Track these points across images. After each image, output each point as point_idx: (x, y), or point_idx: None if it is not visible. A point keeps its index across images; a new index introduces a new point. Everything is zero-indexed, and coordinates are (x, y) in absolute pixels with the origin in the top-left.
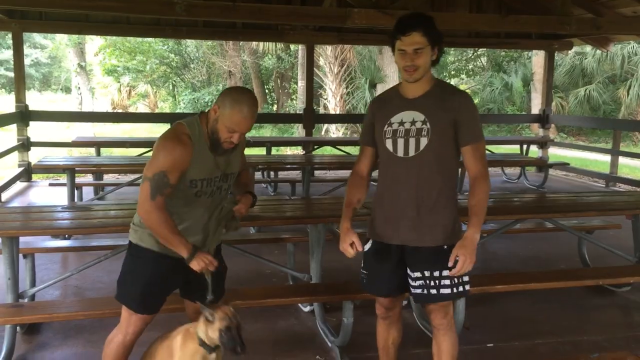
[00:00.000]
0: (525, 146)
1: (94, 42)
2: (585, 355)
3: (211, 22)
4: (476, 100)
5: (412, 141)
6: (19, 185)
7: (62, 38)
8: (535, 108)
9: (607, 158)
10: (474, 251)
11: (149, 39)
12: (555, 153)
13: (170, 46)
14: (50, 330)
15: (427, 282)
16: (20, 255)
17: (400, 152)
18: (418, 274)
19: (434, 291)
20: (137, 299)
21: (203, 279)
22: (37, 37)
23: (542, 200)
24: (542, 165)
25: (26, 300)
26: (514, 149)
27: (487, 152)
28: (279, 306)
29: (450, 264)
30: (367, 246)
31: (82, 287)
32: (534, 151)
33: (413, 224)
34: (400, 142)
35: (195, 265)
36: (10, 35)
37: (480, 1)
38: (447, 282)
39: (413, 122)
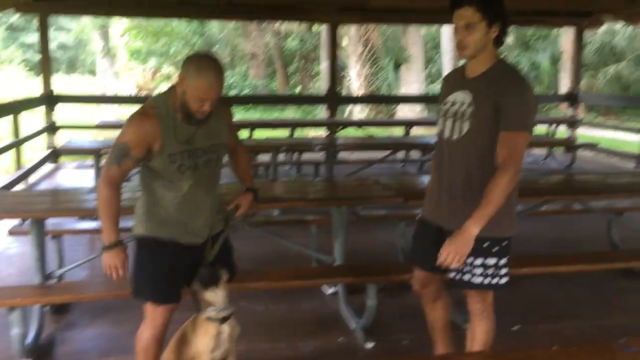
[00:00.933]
0: (553, 126)
1: (118, 25)
2: (612, 341)
3: (234, 2)
4: None
5: (457, 124)
6: (47, 167)
7: (86, 21)
8: (564, 87)
9: (637, 138)
10: (463, 244)
11: (173, 22)
12: (585, 133)
13: (194, 28)
14: (78, 310)
15: (461, 268)
16: (49, 237)
17: (447, 134)
18: None
19: (466, 277)
20: (155, 291)
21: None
22: (63, 21)
23: (568, 181)
24: (570, 145)
25: (55, 280)
26: (542, 130)
27: None
28: (303, 288)
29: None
30: (418, 217)
31: None
32: (563, 131)
33: (449, 209)
34: (448, 123)
35: (105, 258)
36: (37, 19)
37: None
38: (479, 271)
39: (462, 104)
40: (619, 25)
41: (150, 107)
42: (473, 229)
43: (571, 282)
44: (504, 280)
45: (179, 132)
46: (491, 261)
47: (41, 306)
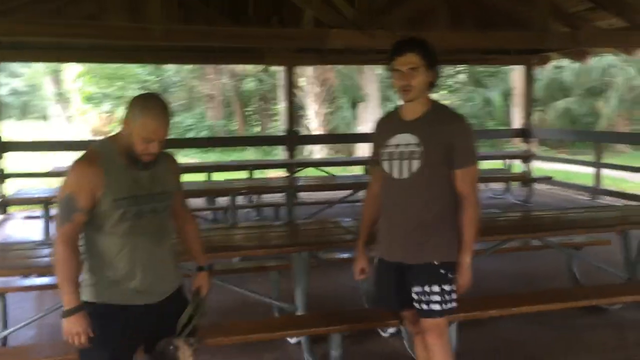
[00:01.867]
0: (507, 161)
1: (71, 69)
2: None
3: (190, 47)
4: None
5: (405, 163)
6: None
7: (38, 66)
8: (516, 122)
9: (589, 170)
10: (467, 275)
11: (128, 65)
12: (538, 166)
13: (150, 70)
14: None
15: (420, 297)
16: None
17: (395, 174)
18: (414, 289)
19: (425, 306)
20: None
21: (172, 329)
22: (15, 66)
23: (528, 218)
24: (526, 179)
25: None
26: (498, 164)
27: None
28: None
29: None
30: (375, 262)
31: (57, 326)
32: (518, 165)
33: (405, 243)
34: (395, 164)
35: (66, 324)
36: None
37: (459, 17)
38: (437, 298)
39: (407, 145)
40: (566, 61)
41: (92, 152)
42: (467, 259)
43: (535, 320)
44: (455, 304)
45: (123, 177)
46: (447, 287)
47: None
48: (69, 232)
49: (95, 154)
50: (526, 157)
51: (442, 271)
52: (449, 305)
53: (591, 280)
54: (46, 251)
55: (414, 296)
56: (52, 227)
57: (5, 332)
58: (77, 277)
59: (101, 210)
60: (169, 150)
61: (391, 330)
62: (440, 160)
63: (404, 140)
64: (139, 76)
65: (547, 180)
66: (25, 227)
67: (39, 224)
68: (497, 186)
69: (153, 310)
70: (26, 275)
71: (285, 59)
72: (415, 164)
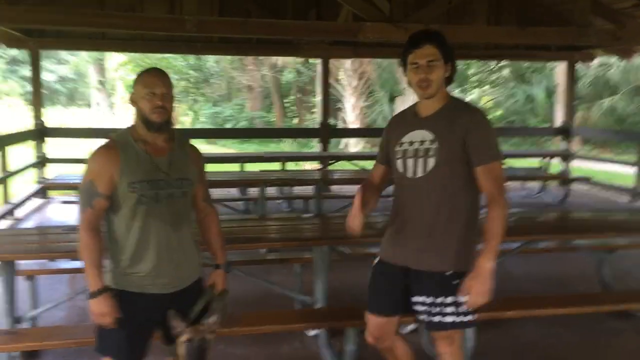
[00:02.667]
0: (547, 159)
1: (114, 58)
2: None
3: (226, 38)
4: (499, 112)
5: (420, 162)
6: (36, 202)
7: (83, 54)
8: (559, 120)
9: (632, 171)
10: (486, 281)
11: (169, 55)
12: (580, 166)
13: (190, 62)
14: (50, 355)
15: (430, 308)
16: (24, 277)
17: (410, 173)
18: (420, 299)
19: (436, 319)
20: (123, 349)
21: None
22: (63, 53)
23: (558, 220)
24: (564, 179)
25: (26, 323)
26: (535, 162)
27: (506, 166)
28: (285, 330)
29: (462, 295)
30: (374, 262)
31: (86, 309)
32: (556, 164)
33: (416, 247)
34: (410, 162)
35: (92, 306)
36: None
37: (499, 12)
38: (451, 309)
39: (422, 142)
40: (613, 59)
41: (110, 140)
42: (488, 264)
43: (560, 323)
44: (471, 317)
45: (140, 161)
46: (462, 298)
47: (9, 353)
48: (90, 217)
49: (113, 141)
50: (565, 156)
51: (454, 282)
52: (466, 318)
53: (622, 284)
54: (77, 236)
55: (420, 307)
56: None
57: (34, 312)
58: (100, 261)
59: (118, 194)
60: (193, 142)
61: (410, 327)
62: (456, 157)
63: (419, 137)
64: (179, 67)
65: (586, 180)
66: (63, 211)
67: (75, 208)
68: (534, 185)
69: (170, 300)
70: (53, 258)
71: (321, 52)
72: (431, 162)
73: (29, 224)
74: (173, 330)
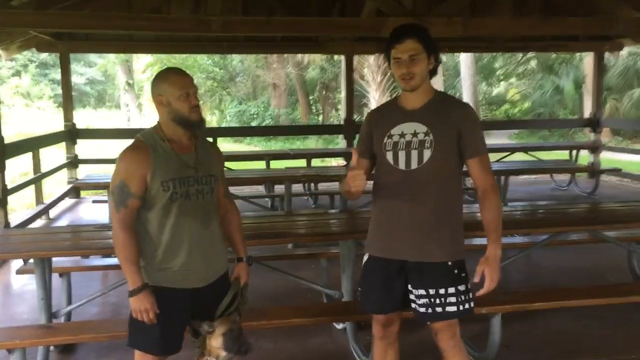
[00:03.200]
0: (575, 152)
1: (141, 60)
2: None
3: (250, 37)
4: (526, 105)
5: (414, 153)
6: (68, 202)
7: (111, 57)
8: (588, 111)
9: None
10: (498, 268)
11: (194, 55)
12: (610, 157)
13: (216, 61)
14: (85, 349)
15: (433, 300)
16: (58, 274)
17: (402, 165)
18: (422, 292)
19: (439, 309)
20: (156, 344)
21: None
22: (92, 56)
23: (587, 211)
24: (593, 171)
25: (61, 318)
26: (564, 154)
27: (535, 159)
28: (312, 324)
29: (476, 280)
30: (364, 259)
31: (119, 305)
32: (586, 156)
33: (415, 239)
34: (402, 154)
35: (132, 303)
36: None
37: (523, 3)
38: (453, 299)
39: (415, 134)
40: None
41: (138, 140)
42: (497, 251)
43: (590, 316)
44: (472, 303)
45: (170, 160)
46: (461, 287)
47: (46, 346)
48: (125, 217)
49: (141, 142)
50: (594, 148)
51: (455, 271)
52: (467, 306)
53: None
54: (109, 233)
55: (420, 300)
56: None
57: (69, 308)
58: (137, 259)
59: (151, 194)
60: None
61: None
62: (451, 148)
63: (410, 129)
64: (205, 66)
65: (616, 172)
66: (94, 210)
67: (106, 207)
68: (562, 177)
69: (200, 294)
70: (86, 256)
71: (345, 48)
72: (427, 154)
73: (62, 223)
74: (203, 331)
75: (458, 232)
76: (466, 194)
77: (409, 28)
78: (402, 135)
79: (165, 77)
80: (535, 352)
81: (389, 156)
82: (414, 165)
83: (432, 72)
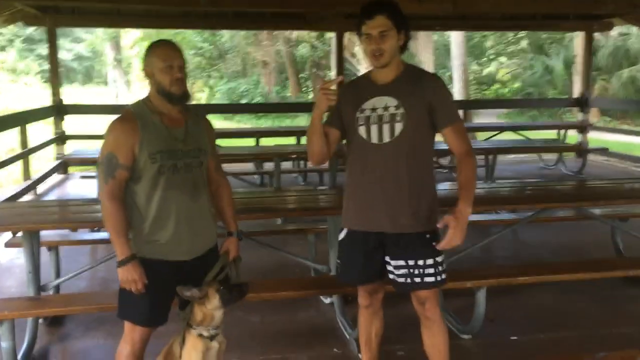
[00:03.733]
0: (562, 131)
1: (129, 36)
2: (590, 355)
3: (240, 12)
4: (516, 84)
5: (386, 127)
6: (56, 177)
7: (99, 32)
8: (577, 91)
9: None
10: (465, 225)
11: (184, 31)
12: (598, 137)
13: (205, 37)
14: (73, 322)
15: (411, 270)
16: (46, 248)
17: (375, 139)
18: (402, 262)
19: (417, 279)
20: (144, 315)
21: (199, 280)
22: (79, 32)
23: (572, 188)
24: (580, 150)
25: (50, 292)
26: (552, 134)
27: (523, 138)
28: (300, 298)
29: (439, 226)
30: (341, 236)
31: (108, 279)
32: (574, 136)
33: (392, 211)
34: (374, 128)
35: (121, 273)
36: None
37: None
38: (431, 270)
39: (386, 108)
40: (634, 28)
41: (127, 112)
42: (468, 209)
43: (574, 290)
44: (445, 275)
45: (158, 132)
46: (439, 258)
47: (34, 318)
48: (113, 188)
49: (130, 113)
50: (582, 128)
51: (433, 243)
52: (443, 277)
53: (636, 253)
54: (97, 207)
55: (399, 270)
56: None
57: (58, 281)
58: (126, 230)
59: (139, 165)
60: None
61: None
62: (423, 121)
63: (381, 103)
64: (194, 42)
65: (604, 151)
66: (82, 186)
67: (94, 183)
68: (550, 157)
69: (188, 266)
70: (75, 229)
71: (335, 25)
72: (399, 127)
73: (50, 198)
74: (194, 297)
75: (433, 202)
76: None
77: (379, 4)
78: (373, 109)
79: (153, 49)
80: (519, 325)
81: (362, 130)
82: (387, 138)
83: (403, 48)
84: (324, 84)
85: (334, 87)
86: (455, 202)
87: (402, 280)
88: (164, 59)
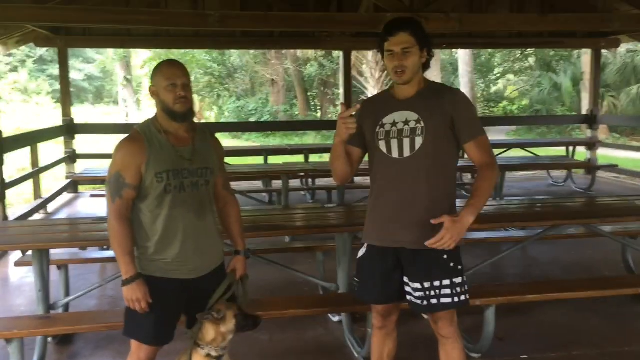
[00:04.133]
0: (571, 148)
1: (139, 56)
2: None
3: (248, 32)
4: (524, 102)
5: (406, 141)
6: (66, 196)
7: (109, 53)
8: (585, 108)
9: None
10: (462, 231)
11: (193, 51)
12: (607, 154)
13: (214, 57)
14: (83, 341)
15: (427, 292)
16: (55, 267)
17: (395, 154)
18: (418, 285)
19: (434, 301)
20: (150, 333)
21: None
22: (90, 52)
23: (581, 205)
24: (589, 167)
25: (60, 310)
26: (561, 151)
27: (532, 154)
28: (308, 316)
29: (433, 222)
30: (361, 252)
31: (117, 297)
32: (583, 153)
33: (411, 226)
34: (394, 142)
35: (125, 292)
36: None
37: (522, 0)
38: (448, 291)
39: (406, 122)
40: None
41: (134, 132)
42: (470, 217)
43: (584, 308)
44: (467, 295)
45: (165, 151)
46: (457, 280)
47: (43, 337)
48: (120, 207)
49: (137, 133)
50: (591, 144)
51: (451, 264)
52: (462, 298)
53: None
54: (106, 225)
55: (417, 293)
56: None
57: (67, 300)
58: (132, 248)
59: (145, 184)
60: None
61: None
62: (443, 135)
63: (402, 117)
64: (203, 62)
65: (613, 168)
66: (92, 205)
67: (104, 201)
68: (559, 174)
69: (194, 285)
70: (84, 248)
71: (343, 44)
72: (419, 141)
73: (60, 217)
74: (211, 319)
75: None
76: (463, 190)
77: (403, 21)
78: (393, 124)
79: (158, 69)
80: (529, 344)
81: (382, 145)
82: (407, 153)
83: (425, 66)
84: (342, 112)
85: (353, 113)
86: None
87: (418, 302)
88: (167, 78)
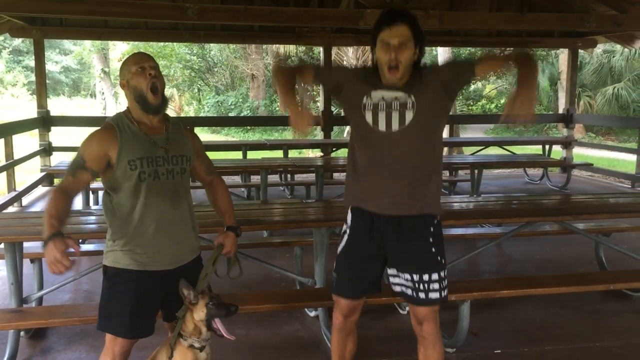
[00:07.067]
0: (547, 147)
1: (117, 48)
2: None
3: (228, 26)
4: (503, 100)
5: (395, 115)
6: (41, 189)
7: (87, 44)
8: (562, 107)
9: (635, 158)
10: (535, 94)
11: (172, 44)
12: (582, 153)
13: (194, 50)
14: (56, 335)
15: (417, 285)
16: (29, 260)
17: (382, 127)
18: (408, 276)
19: (422, 295)
20: (125, 326)
21: (179, 295)
22: (67, 44)
23: (556, 203)
24: (565, 165)
25: (33, 304)
26: (537, 149)
27: (509, 152)
28: (285, 311)
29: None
30: (340, 247)
31: (91, 292)
32: (559, 151)
33: (397, 198)
34: (382, 115)
35: (45, 255)
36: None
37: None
38: (436, 285)
39: (396, 98)
40: (618, 46)
41: (107, 122)
42: (529, 85)
43: (557, 304)
44: (447, 291)
45: (138, 140)
46: (443, 273)
47: (15, 331)
48: (68, 185)
49: (110, 124)
50: (567, 143)
51: (439, 258)
52: (445, 293)
53: (620, 267)
54: (81, 219)
55: (404, 283)
56: (91, 197)
57: (40, 293)
58: (60, 217)
59: (118, 174)
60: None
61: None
62: (433, 111)
63: (391, 95)
64: (182, 55)
65: (588, 167)
66: None
67: (79, 196)
68: (535, 172)
69: (171, 277)
70: None
71: (323, 39)
72: (409, 115)
73: (35, 210)
74: (186, 298)
75: (439, 191)
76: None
77: (401, 12)
78: (382, 97)
79: (124, 61)
80: (503, 339)
81: (368, 117)
82: (395, 127)
83: (415, 65)
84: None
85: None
86: None
87: (409, 292)
88: (134, 63)
